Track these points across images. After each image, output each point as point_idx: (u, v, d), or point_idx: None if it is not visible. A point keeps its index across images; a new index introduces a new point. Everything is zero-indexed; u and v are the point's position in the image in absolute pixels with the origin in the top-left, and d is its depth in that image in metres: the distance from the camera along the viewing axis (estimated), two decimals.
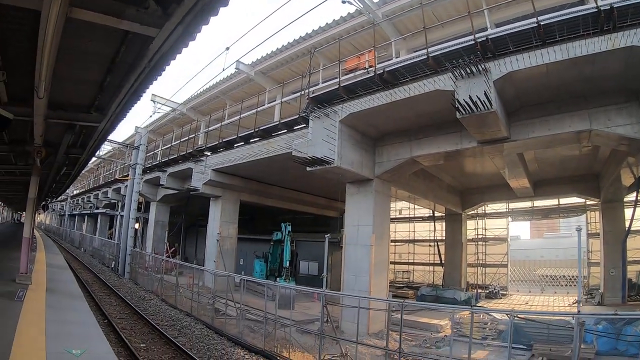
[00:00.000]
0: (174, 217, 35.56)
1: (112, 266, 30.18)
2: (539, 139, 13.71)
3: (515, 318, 11.19)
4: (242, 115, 21.46)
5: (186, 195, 30.63)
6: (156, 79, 7.22)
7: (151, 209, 33.79)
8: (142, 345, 12.30)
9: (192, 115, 30.48)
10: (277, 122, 18.57)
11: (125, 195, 36.45)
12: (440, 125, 15.30)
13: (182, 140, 27.51)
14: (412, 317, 17.75)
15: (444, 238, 32.71)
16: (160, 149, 34.00)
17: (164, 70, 6.82)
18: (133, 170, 27.78)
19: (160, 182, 28.85)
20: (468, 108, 11.68)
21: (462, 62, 11.41)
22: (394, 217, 38.27)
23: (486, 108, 11.51)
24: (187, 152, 25.03)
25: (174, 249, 29.49)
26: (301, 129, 17.78)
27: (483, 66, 11.50)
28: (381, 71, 13.77)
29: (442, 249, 32.96)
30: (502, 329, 15.77)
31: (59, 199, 57.38)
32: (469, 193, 30.04)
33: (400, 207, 38.01)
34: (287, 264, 20.90)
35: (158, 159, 31.29)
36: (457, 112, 12.11)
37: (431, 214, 35.04)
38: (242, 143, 20.99)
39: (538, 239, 44.76)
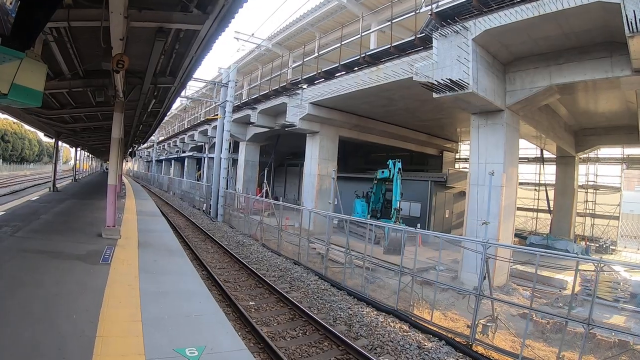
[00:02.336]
0: (262, 156, 34.53)
1: (204, 209, 29.83)
2: None
3: None
4: (341, 43, 19.24)
5: (276, 133, 29.53)
6: None
7: (240, 148, 33.03)
8: (251, 303, 10.66)
9: (278, 51, 28.75)
10: (389, 46, 16.21)
11: (212, 137, 36.06)
12: (587, 49, 12.70)
13: (272, 75, 25.86)
14: (531, 270, 15.68)
15: (554, 183, 29.45)
16: (244, 88, 32.77)
17: None
18: (222, 108, 26.60)
19: (251, 120, 27.70)
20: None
21: None
22: None
23: None
24: (281, 85, 23.37)
25: (266, 189, 28.51)
26: (417, 51, 15.50)
27: None
28: None
29: (550, 194, 29.90)
30: (632, 292, 13.66)
31: (144, 145, 58.54)
32: (584, 134, 26.66)
33: None
34: (398, 205, 18.92)
35: (243, 99, 29.96)
36: (626, 29, 9.56)
37: (538, 155, 31.78)
38: (344, 72, 18.90)
39: (628, 191, 40.21)
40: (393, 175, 19.39)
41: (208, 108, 40.59)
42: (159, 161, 65.79)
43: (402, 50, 16.15)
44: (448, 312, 11.33)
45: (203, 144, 41.38)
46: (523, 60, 14.38)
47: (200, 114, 42.39)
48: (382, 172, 20.80)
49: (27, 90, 6.11)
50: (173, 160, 58.13)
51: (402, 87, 17.06)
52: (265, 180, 21.33)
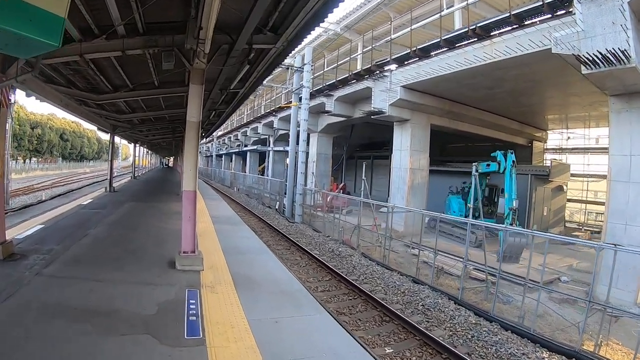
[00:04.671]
0: (334, 149, 32.50)
1: (277, 207, 28.01)
2: None
3: None
4: (441, 14, 17.00)
5: (350, 123, 27.51)
6: None
7: (311, 141, 31.10)
8: (387, 350, 7.98)
9: (347, 35, 26.81)
10: (507, 14, 13.88)
11: (278, 129, 34.60)
12: None
13: (353, 55, 23.90)
14: None
15: None
16: (310, 77, 31.03)
17: None
18: (296, 95, 24.88)
19: (326, 109, 25.52)
20: None
21: None
22: (588, 146, 32.42)
23: None
24: (364, 68, 21.44)
25: (343, 184, 26.68)
26: (547, 20, 13.00)
27: None
28: None
29: None
30: None
31: (204, 140, 57.87)
32: None
33: (598, 134, 31.52)
34: (513, 204, 16.45)
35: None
36: None
37: None
38: (447, 49, 16.51)
39: None
40: (504, 169, 16.93)
41: (269, 100, 39.18)
42: (219, 156, 65.24)
43: (521, 19, 13.84)
44: (610, 342, 9.03)
45: (267, 136, 40.01)
46: None
47: (261, 106, 41.07)
48: (487, 164, 18.38)
49: (30, 10, 3.33)
50: (234, 155, 57.41)
51: (521, 65, 14.77)
52: (364, 177, 19.05)
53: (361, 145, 37.75)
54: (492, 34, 14.83)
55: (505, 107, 23.11)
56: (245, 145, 49.35)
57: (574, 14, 11.84)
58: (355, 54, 24.74)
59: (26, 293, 5.82)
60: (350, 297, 11.06)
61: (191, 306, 5.84)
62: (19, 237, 9.13)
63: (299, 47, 11.24)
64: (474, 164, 19.64)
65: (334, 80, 24.39)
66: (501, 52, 14.16)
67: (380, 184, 36.58)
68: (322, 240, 18.43)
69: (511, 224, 15.47)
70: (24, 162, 64.40)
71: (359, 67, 24.32)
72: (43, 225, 10.92)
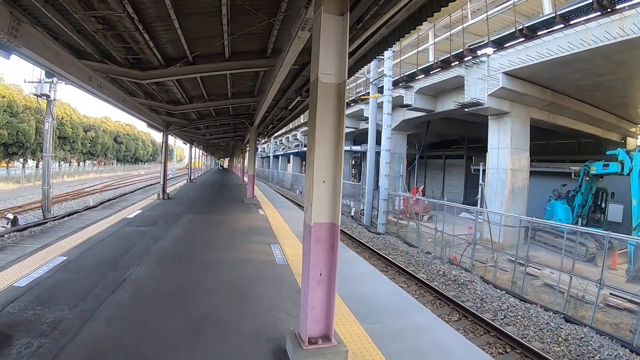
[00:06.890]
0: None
1: (352, 214, 26.33)
2: None
3: None
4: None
5: (428, 119, 25.70)
6: None
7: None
8: None
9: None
10: None
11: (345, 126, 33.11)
12: None
13: (435, 40, 22.30)
14: None
15: None
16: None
17: None
18: (375, 86, 23.42)
19: (405, 102, 23.39)
20: None
21: None
22: None
23: None
24: (453, 54, 19.45)
25: (423, 187, 25.01)
26: None
27: None
28: None
29: None
30: None
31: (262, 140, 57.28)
32: None
33: None
34: None
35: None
36: None
37: None
38: (563, 25, 14.51)
39: None
40: (631, 170, 14.68)
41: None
42: (276, 157, 64.48)
43: None
44: None
45: None
46: None
47: None
48: (605, 165, 16.25)
49: None
50: (291, 155, 56.74)
51: None
52: (482, 182, 17.34)
53: (431, 144, 35.81)
54: (618, 7, 13.00)
55: (607, 98, 20.73)
56: (305, 145, 48.00)
57: None
58: (440, 37, 23.00)
59: None
60: (500, 350, 8.54)
61: None
62: (19, 284, 5.98)
63: None
64: (585, 164, 17.75)
65: (415, 70, 22.53)
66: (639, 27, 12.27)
67: (453, 185, 34.71)
68: (423, 258, 16.09)
69: None
70: (78, 164, 66.01)
71: (430, 59, 22.78)
72: (65, 257, 7.64)
